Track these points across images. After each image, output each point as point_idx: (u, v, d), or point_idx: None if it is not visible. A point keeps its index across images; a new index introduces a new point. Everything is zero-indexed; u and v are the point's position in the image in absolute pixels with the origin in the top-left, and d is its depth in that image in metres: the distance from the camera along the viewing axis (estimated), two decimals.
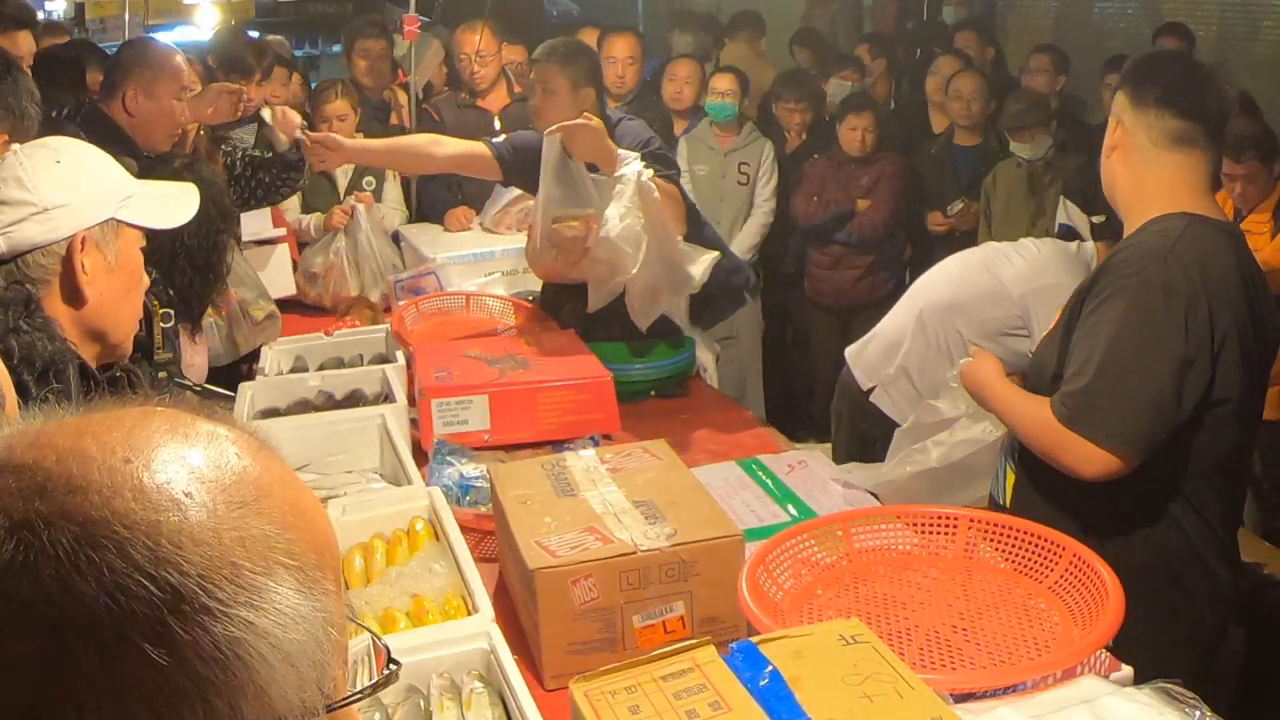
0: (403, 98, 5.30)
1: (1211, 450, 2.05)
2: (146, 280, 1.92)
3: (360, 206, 4.23)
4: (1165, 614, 2.06)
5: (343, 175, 4.52)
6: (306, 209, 4.48)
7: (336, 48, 7.08)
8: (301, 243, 4.32)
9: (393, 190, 4.69)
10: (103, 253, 1.77)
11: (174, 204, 1.95)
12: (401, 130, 5.17)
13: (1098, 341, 1.99)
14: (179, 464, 0.59)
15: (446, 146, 3.45)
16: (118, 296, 1.82)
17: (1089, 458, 1.97)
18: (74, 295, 1.75)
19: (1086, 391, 1.97)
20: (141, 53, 3.36)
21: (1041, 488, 2.14)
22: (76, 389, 1.66)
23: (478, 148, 3.40)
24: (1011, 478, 2.27)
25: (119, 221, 1.80)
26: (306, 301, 4.07)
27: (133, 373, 1.90)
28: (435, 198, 4.72)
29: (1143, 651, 1.68)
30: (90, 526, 0.54)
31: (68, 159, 1.80)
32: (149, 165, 1.91)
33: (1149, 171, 2.13)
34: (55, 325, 1.67)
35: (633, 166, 2.85)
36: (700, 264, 2.99)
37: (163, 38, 8.10)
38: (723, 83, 5.19)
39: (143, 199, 1.85)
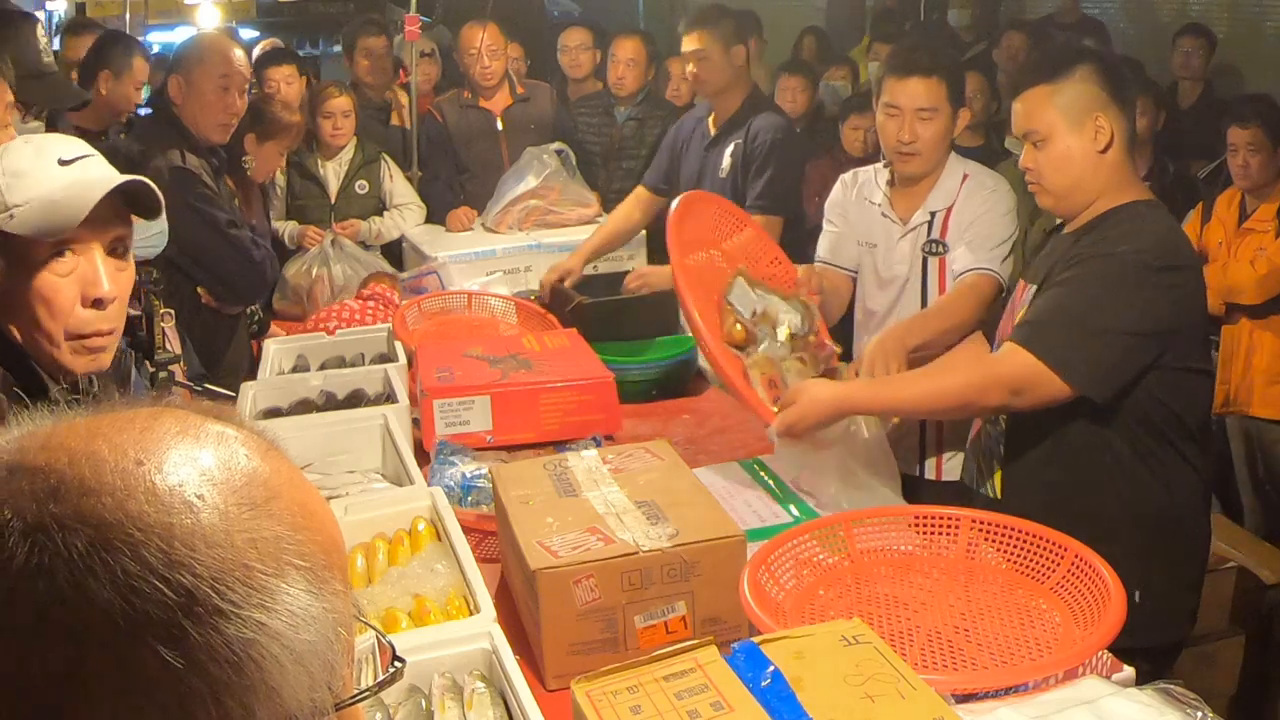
0: (403, 98, 5.28)
1: (1195, 410, 2.23)
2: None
3: (342, 236, 4.27)
4: (1167, 558, 2.20)
5: (334, 178, 4.48)
6: (296, 213, 4.42)
7: (337, 48, 7.04)
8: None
9: (403, 187, 4.62)
10: None
11: (67, 205, 1.59)
12: (401, 132, 5.15)
13: (1054, 297, 2.18)
14: (190, 466, 0.59)
15: (626, 206, 3.93)
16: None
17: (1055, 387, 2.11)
18: None
19: (1038, 324, 2.16)
20: (188, 44, 3.39)
21: (1035, 470, 2.26)
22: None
23: (639, 193, 3.90)
24: (999, 474, 2.33)
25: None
26: (284, 313, 4.03)
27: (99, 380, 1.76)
28: (437, 197, 4.70)
29: (1149, 595, 1.91)
30: (104, 529, 0.54)
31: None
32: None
33: (1123, 162, 2.25)
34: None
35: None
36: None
37: (163, 37, 8.12)
38: None
39: (31, 209, 1.58)
